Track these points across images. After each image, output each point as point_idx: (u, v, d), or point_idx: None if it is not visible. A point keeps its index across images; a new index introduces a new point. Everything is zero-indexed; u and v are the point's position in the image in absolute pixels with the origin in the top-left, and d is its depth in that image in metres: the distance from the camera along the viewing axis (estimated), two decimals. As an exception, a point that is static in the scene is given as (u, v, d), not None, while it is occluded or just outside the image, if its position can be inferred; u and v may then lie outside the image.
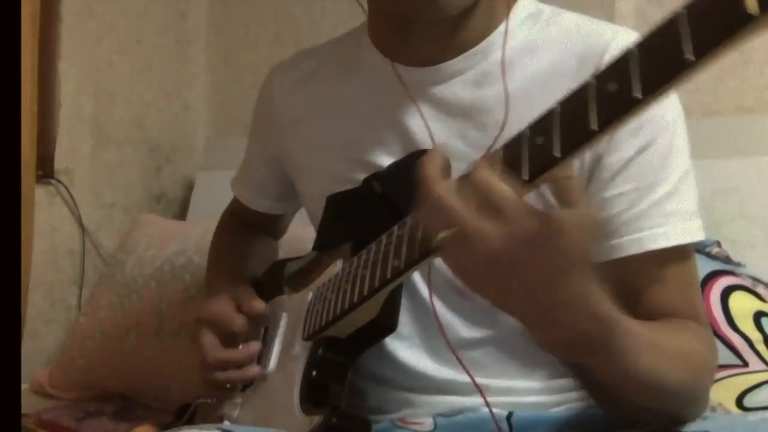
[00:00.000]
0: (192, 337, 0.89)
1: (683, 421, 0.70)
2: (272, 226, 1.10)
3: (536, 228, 0.49)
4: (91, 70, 1.76)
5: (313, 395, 0.75)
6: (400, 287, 0.75)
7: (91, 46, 1.76)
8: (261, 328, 0.89)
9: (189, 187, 1.94)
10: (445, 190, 0.51)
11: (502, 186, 0.49)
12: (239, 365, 0.84)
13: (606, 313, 0.55)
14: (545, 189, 0.52)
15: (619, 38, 0.76)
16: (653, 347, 0.62)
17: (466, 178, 0.51)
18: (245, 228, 1.09)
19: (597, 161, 0.75)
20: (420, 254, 0.60)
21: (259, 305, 0.87)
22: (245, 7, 1.99)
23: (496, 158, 0.52)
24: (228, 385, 0.86)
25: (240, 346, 0.87)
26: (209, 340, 0.86)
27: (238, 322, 0.86)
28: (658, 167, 0.74)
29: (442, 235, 0.51)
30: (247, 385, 0.85)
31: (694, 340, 0.72)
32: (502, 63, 0.78)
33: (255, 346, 0.86)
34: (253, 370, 0.84)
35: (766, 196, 1.27)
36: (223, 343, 0.86)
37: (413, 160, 0.79)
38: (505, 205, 0.49)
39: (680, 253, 0.75)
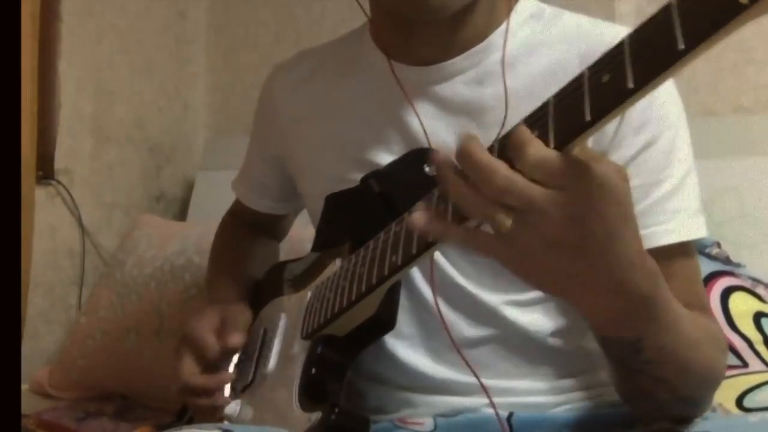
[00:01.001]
0: (174, 351, 0.89)
1: (697, 412, 0.71)
2: (274, 226, 1.10)
3: (594, 183, 0.48)
4: (91, 70, 1.76)
5: (312, 393, 0.75)
6: (398, 285, 0.75)
7: (91, 46, 1.76)
8: (261, 329, 0.89)
9: (189, 187, 1.94)
10: (508, 171, 0.49)
11: (550, 153, 0.48)
12: (208, 393, 0.85)
13: (656, 271, 0.56)
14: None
15: (621, 38, 0.76)
16: (692, 321, 0.64)
17: (510, 154, 0.49)
18: (246, 229, 1.09)
19: None
20: (417, 251, 0.60)
21: (236, 340, 0.87)
22: (245, 7, 1.99)
23: (492, 152, 0.52)
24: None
25: (222, 371, 0.87)
26: (186, 363, 0.86)
27: (213, 351, 0.86)
28: (661, 164, 0.75)
29: (508, 221, 0.49)
30: (247, 385, 0.85)
31: (713, 325, 0.74)
32: (503, 62, 0.78)
33: (227, 376, 0.86)
34: (222, 399, 0.84)
35: (766, 196, 1.27)
36: (201, 365, 0.87)
37: (411, 159, 0.79)
38: (564, 169, 0.48)
39: (684, 250, 0.75)
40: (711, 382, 0.70)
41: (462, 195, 0.51)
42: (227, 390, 0.86)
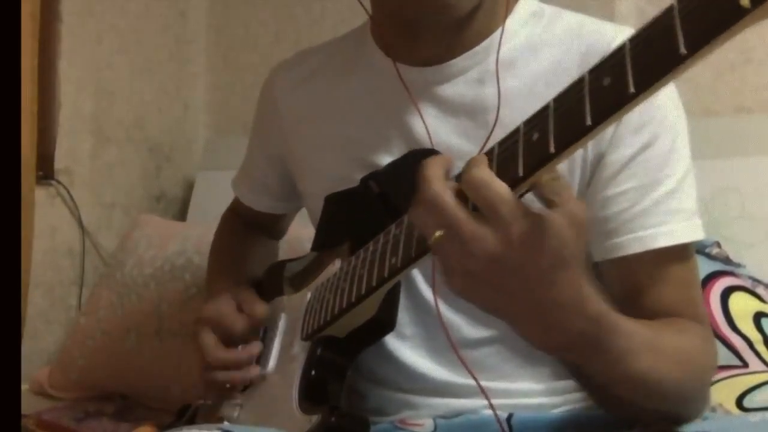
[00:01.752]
0: (192, 336, 0.88)
1: (683, 421, 0.70)
2: (273, 226, 1.10)
3: (531, 228, 0.49)
4: (91, 70, 1.76)
5: (312, 395, 0.75)
6: (398, 286, 0.75)
7: (91, 46, 1.76)
8: (260, 329, 0.89)
9: (189, 187, 1.94)
10: (440, 189, 0.51)
11: (497, 184, 0.49)
12: (239, 366, 0.84)
13: (600, 313, 0.55)
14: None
15: (622, 37, 0.76)
16: (652, 347, 0.62)
17: (461, 177, 0.51)
18: (246, 228, 1.09)
19: (599, 159, 0.75)
20: (416, 253, 0.60)
21: (261, 308, 0.87)
22: (245, 7, 1.99)
23: (492, 155, 0.52)
24: (228, 386, 0.86)
25: (240, 347, 0.86)
26: (210, 340, 0.85)
27: (240, 323, 0.86)
28: (660, 165, 0.74)
29: (436, 235, 0.51)
30: (247, 385, 0.85)
31: (695, 339, 0.71)
32: (497, 62, 0.78)
33: (256, 346, 0.85)
34: (254, 370, 0.84)
35: (766, 196, 1.27)
36: (223, 343, 0.86)
37: (411, 159, 0.79)
38: (500, 203, 0.48)
39: (682, 252, 0.75)
40: (683, 399, 0.68)
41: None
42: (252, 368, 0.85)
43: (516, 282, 0.51)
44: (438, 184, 0.51)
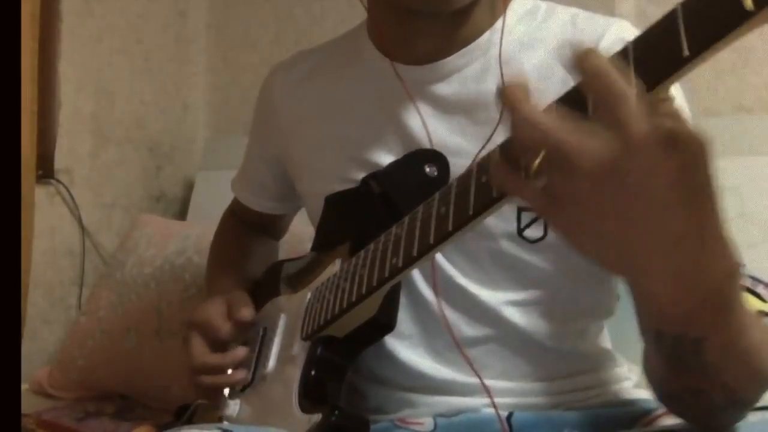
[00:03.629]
0: (182, 340, 0.89)
1: (735, 420, 0.62)
2: (272, 226, 1.10)
3: (661, 132, 0.41)
4: (91, 70, 1.76)
5: (311, 394, 0.75)
6: (398, 286, 0.75)
7: (91, 46, 1.76)
8: (260, 329, 0.89)
9: (189, 187, 1.94)
10: (531, 108, 0.44)
11: (618, 75, 0.42)
12: (224, 370, 0.85)
13: (735, 263, 0.47)
14: None
15: (613, 29, 0.77)
16: (759, 323, 0.56)
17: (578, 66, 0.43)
18: (245, 229, 1.09)
19: None
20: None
21: (247, 313, 0.87)
22: (245, 7, 1.99)
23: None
24: (225, 390, 0.86)
25: (225, 352, 0.87)
26: (197, 345, 0.86)
27: (225, 329, 0.86)
28: None
29: (536, 162, 0.44)
30: (247, 385, 0.85)
31: None
32: (500, 58, 0.79)
33: (241, 351, 0.86)
34: (239, 374, 0.84)
35: (766, 196, 1.27)
36: (211, 347, 0.87)
37: (411, 159, 0.79)
38: (624, 95, 0.41)
39: None
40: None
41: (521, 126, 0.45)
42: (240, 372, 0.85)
43: (645, 204, 0.42)
44: (526, 104, 0.44)
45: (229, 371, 0.85)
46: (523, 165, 0.46)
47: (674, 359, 0.54)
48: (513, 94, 0.45)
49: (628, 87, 0.41)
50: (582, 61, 0.43)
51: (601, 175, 0.42)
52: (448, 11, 0.77)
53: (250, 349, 0.88)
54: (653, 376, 0.61)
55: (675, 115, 0.44)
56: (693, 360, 0.53)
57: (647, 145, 0.41)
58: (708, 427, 0.61)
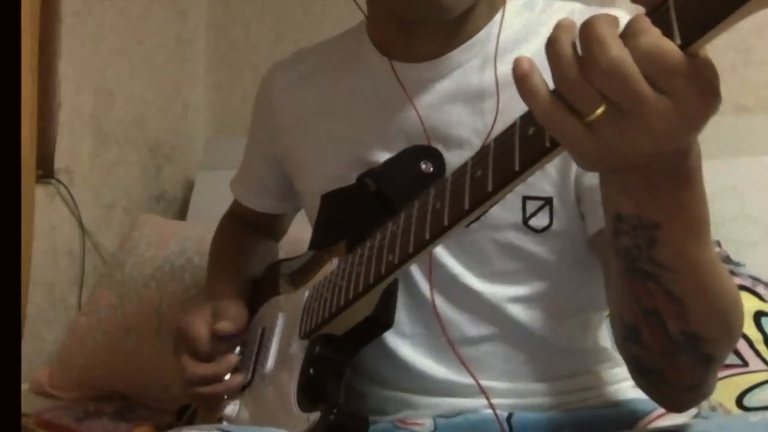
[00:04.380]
0: (172, 351, 0.88)
1: (718, 363, 0.62)
2: (272, 226, 1.10)
3: (709, 100, 0.45)
4: (90, 70, 1.76)
5: (310, 393, 0.75)
6: (396, 283, 0.75)
7: (91, 46, 1.76)
8: (259, 329, 0.89)
9: (189, 187, 1.94)
10: (624, 54, 0.43)
11: (674, 52, 0.43)
12: (220, 378, 0.84)
13: (692, 143, 0.54)
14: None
15: None
16: (717, 256, 0.60)
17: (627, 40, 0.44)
18: (245, 229, 1.09)
19: None
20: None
21: (225, 326, 0.86)
22: (245, 7, 1.99)
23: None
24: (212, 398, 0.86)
25: (217, 359, 0.86)
26: (187, 357, 0.86)
27: (203, 341, 0.86)
28: None
29: (599, 111, 0.45)
30: (246, 385, 0.85)
31: None
32: (495, 51, 0.79)
33: (233, 357, 0.86)
34: (235, 380, 0.84)
35: (766, 196, 1.27)
36: (198, 357, 0.86)
37: (407, 156, 0.79)
38: (682, 73, 0.43)
39: None
40: (728, 331, 0.61)
41: (563, 70, 0.46)
42: (233, 377, 0.85)
43: (670, 156, 0.48)
44: (618, 46, 0.44)
45: (226, 377, 0.85)
46: (583, 110, 0.46)
47: (628, 258, 0.56)
48: (601, 27, 0.44)
49: (684, 60, 0.43)
50: (635, 40, 0.44)
51: (664, 136, 0.45)
52: (444, 19, 0.77)
53: (249, 349, 0.88)
54: (613, 298, 0.63)
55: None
56: (645, 257, 0.55)
57: (696, 112, 0.45)
58: (679, 387, 0.62)
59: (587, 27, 0.45)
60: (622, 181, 0.52)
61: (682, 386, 0.62)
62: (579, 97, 0.46)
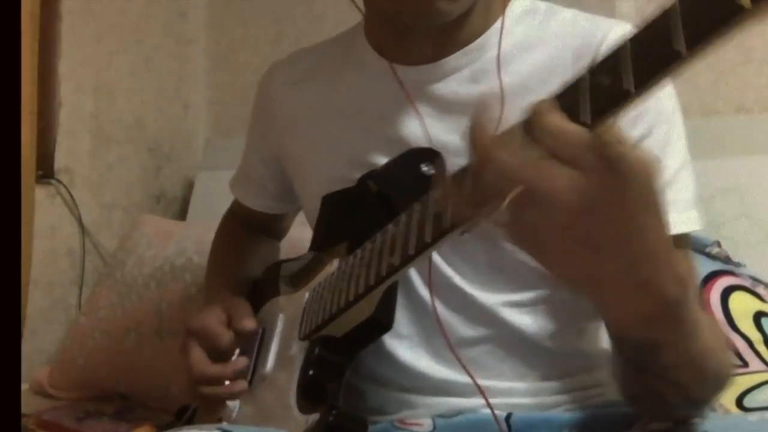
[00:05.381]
0: (180, 349, 0.87)
1: (696, 414, 0.68)
2: (273, 226, 1.10)
3: (618, 170, 0.45)
4: (91, 70, 1.76)
5: (310, 394, 0.75)
6: (395, 285, 0.75)
7: (91, 46, 1.76)
8: (259, 330, 0.89)
9: (189, 187, 1.94)
10: (505, 147, 0.46)
11: (575, 128, 0.45)
12: (224, 381, 0.84)
13: (685, 274, 0.52)
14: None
15: (615, 31, 0.77)
16: (709, 324, 0.61)
17: (525, 127, 0.47)
18: (246, 229, 1.09)
19: None
20: (423, 245, 0.59)
21: (249, 324, 0.86)
22: (245, 7, 1.99)
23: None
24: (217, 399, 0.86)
25: (233, 358, 0.86)
26: (196, 355, 0.85)
27: (225, 339, 0.85)
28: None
29: (512, 194, 0.46)
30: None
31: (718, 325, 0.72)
32: (498, 59, 0.78)
33: (242, 362, 0.85)
34: (240, 385, 0.83)
35: (766, 196, 1.27)
36: (210, 356, 0.85)
37: (408, 158, 0.79)
38: (586, 149, 0.45)
39: (678, 243, 0.75)
40: (722, 385, 0.67)
41: (478, 167, 0.48)
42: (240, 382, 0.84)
43: (606, 233, 0.46)
44: (496, 142, 0.47)
45: (227, 382, 0.84)
46: (487, 199, 0.48)
47: (633, 363, 0.60)
48: (479, 130, 0.48)
49: (587, 136, 0.45)
50: (536, 122, 0.46)
51: (578, 211, 0.46)
52: (444, 23, 0.76)
53: (249, 349, 0.88)
54: (619, 378, 0.67)
55: (625, 141, 0.46)
56: (650, 363, 0.58)
57: (611, 186, 0.45)
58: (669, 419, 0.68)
59: (472, 128, 0.48)
60: (612, 305, 0.54)
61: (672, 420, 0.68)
62: (488, 186, 0.48)
